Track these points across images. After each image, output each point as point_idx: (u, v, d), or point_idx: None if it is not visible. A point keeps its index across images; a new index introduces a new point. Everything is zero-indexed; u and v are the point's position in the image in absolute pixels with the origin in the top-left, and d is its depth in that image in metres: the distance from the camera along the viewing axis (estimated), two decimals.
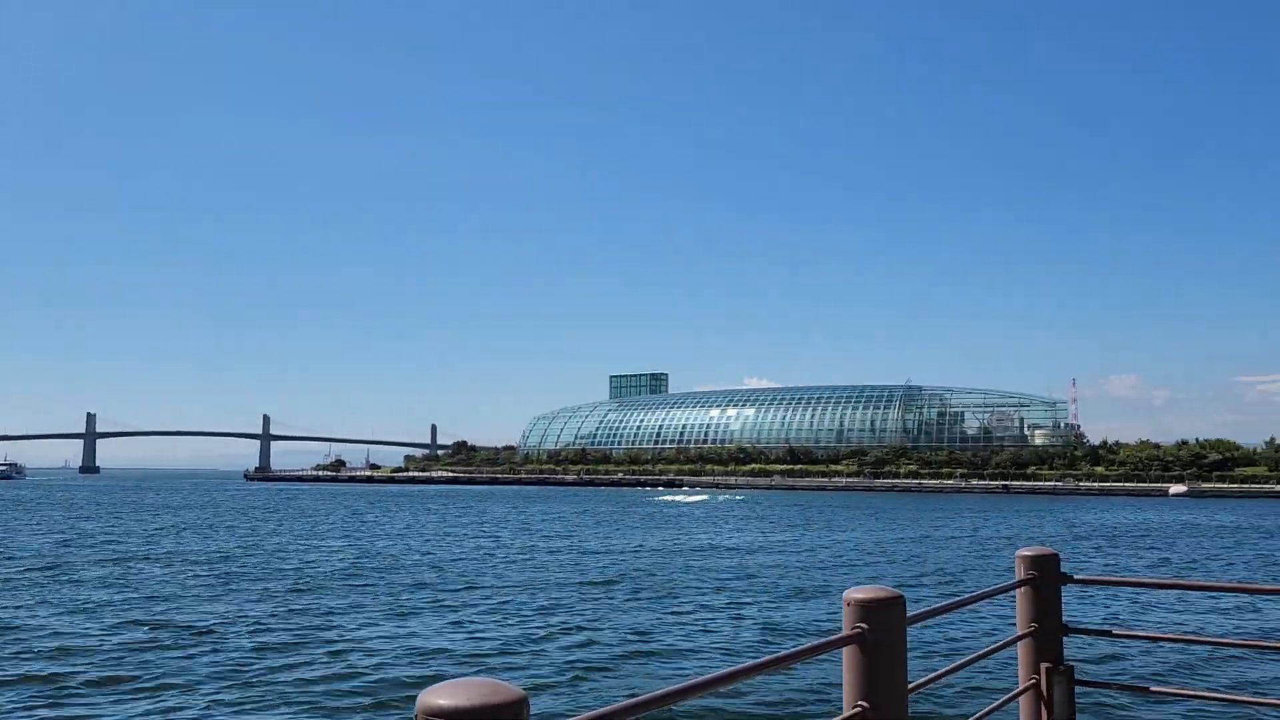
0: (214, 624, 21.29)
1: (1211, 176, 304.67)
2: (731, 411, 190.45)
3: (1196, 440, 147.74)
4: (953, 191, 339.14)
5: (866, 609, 3.65)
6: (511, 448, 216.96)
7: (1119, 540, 51.79)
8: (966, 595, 4.81)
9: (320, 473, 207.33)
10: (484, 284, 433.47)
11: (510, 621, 22.04)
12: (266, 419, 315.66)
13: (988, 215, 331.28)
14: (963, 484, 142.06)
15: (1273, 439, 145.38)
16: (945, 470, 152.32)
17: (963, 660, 4.69)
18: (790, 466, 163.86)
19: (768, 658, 3.25)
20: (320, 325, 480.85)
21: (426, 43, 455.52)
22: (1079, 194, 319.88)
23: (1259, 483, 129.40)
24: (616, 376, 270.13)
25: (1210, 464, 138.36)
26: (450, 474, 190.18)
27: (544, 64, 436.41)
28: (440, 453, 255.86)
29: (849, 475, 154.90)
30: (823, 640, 3.54)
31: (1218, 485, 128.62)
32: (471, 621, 22.08)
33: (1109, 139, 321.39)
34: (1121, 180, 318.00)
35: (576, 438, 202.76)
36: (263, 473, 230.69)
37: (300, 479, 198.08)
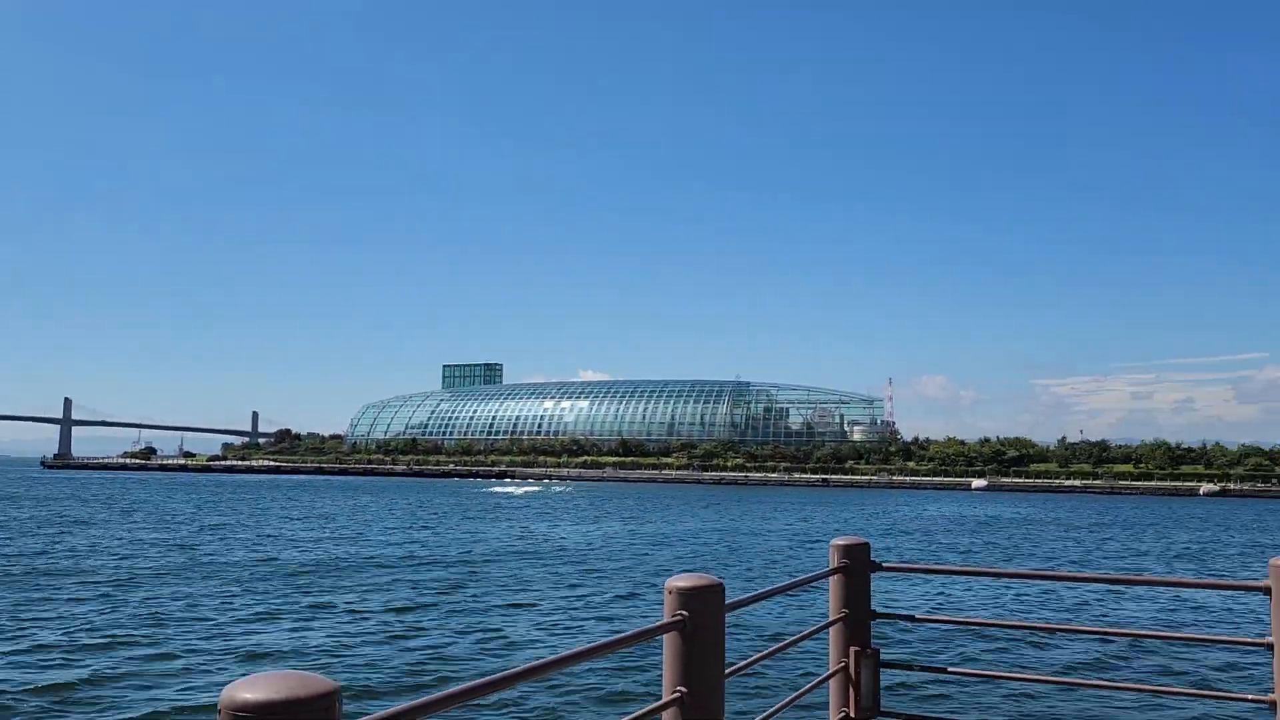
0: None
1: (1013, 194, 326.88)
2: (566, 403, 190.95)
3: (997, 438, 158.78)
4: (786, 191, 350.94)
5: (687, 596, 3.73)
6: (339, 437, 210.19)
7: (928, 531, 55.05)
8: (783, 583, 5.00)
9: (128, 460, 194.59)
10: (312, 269, 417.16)
11: (328, 617, 21.36)
12: (68, 402, 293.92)
13: (818, 215, 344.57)
14: (786, 477, 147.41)
15: (1063, 438, 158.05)
16: (770, 464, 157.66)
17: (777, 645, 4.88)
18: (622, 459, 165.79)
19: (584, 647, 3.28)
20: (129, 304, 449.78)
21: None
22: (910, 200, 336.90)
23: (1050, 478, 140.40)
24: (450, 366, 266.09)
25: (1009, 460, 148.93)
26: (272, 463, 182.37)
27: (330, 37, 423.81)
28: (262, 441, 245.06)
29: (679, 468, 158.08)
30: (643, 628, 3.61)
31: (1015, 480, 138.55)
32: (295, 615, 21.27)
33: (928, 137, 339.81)
34: (939, 187, 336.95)
35: (407, 428, 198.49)
36: (63, 460, 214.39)
37: (105, 467, 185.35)
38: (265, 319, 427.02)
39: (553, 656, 3.13)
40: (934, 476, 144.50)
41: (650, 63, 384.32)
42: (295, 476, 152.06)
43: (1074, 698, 13.64)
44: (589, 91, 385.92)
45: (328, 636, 18.95)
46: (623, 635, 3.49)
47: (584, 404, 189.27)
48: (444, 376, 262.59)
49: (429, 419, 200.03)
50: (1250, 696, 5.24)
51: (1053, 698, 13.69)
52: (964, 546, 45.07)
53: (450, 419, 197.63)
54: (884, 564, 5.85)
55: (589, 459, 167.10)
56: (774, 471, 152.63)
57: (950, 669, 6.38)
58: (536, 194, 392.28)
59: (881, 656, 5.74)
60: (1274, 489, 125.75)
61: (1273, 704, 4.79)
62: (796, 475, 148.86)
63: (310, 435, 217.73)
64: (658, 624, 3.69)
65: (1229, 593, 25.50)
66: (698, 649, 3.71)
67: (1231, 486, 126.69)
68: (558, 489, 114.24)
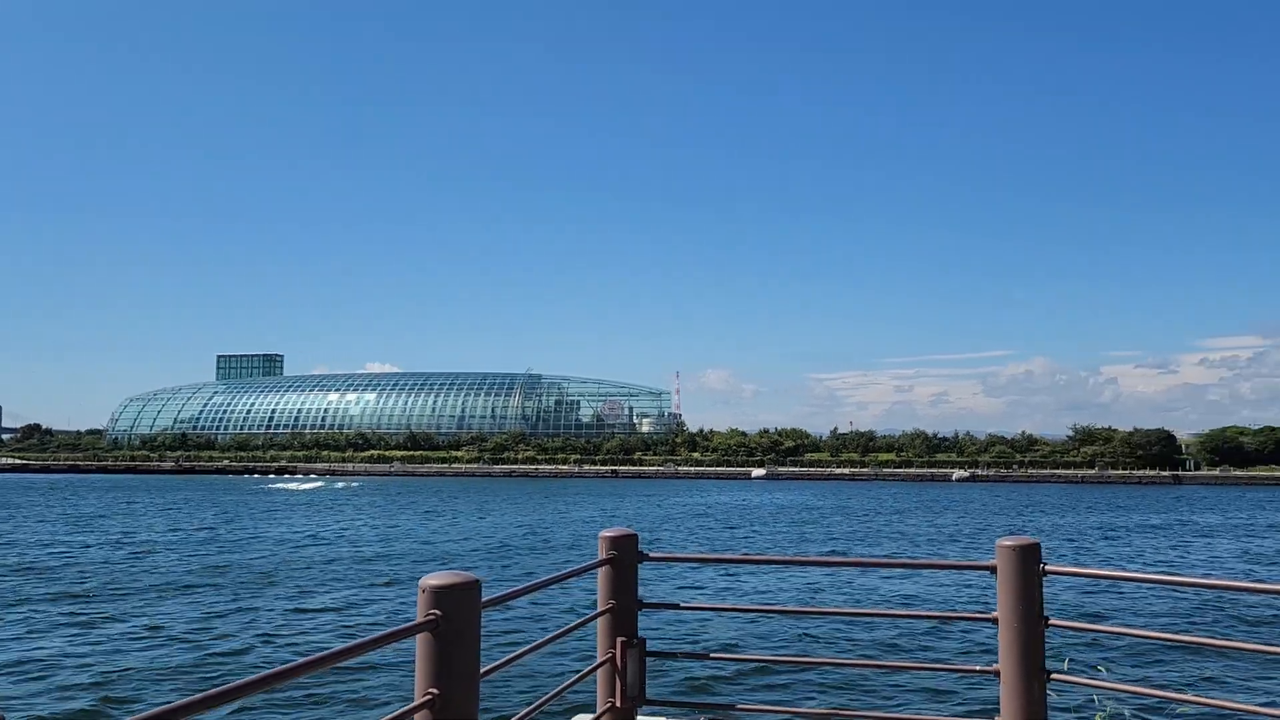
0: None
1: (792, 200, 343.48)
2: (351, 396, 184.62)
3: (775, 429, 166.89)
4: (578, 185, 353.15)
5: (440, 595, 3.66)
6: (98, 432, 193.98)
7: (705, 519, 57.00)
8: (545, 578, 4.99)
9: None
10: (64, 245, 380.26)
11: (82, 626, 19.67)
12: None
13: (609, 211, 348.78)
14: (577, 469, 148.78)
15: (835, 428, 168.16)
16: (561, 456, 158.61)
17: (540, 641, 4.86)
18: (411, 452, 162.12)
19: (331, 650, 3.16)
20: None
21: None
22: (695, 197, 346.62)
23: (822, 466, 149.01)
24: (225, 357, 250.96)
25: (786, 450, 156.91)
26: (19, 461, 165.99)
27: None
28: (6, 437, 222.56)
29: (469, 461, 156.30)
30: (393, 629, 3.51)
31: (791, 469, 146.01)
32: (52, 626, 19.41)
33: (718, 133, 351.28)
34: (724, 186, 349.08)
35: (176, 422, 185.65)
36: None
37: None
38: (11, 306, 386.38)
39: (299, 661, 3.00)
40: (717, 466, 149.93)
41: (424, 66, 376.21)
42: (47, 476, 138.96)
43: (829, 676, 14.50)
44: (399, 91, 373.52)
45: (84, 645, 17.43)
46: (371, 638, 3.38)
47: (371, 397, 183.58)
48: (219, 367, 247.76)
49: (201, 412, 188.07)
50: (978, 668, 5.69)
51: (811, 677, 14.49)
52: (744, 534, 46.97)
53: (225, 412, 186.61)
54: (651, 554, 5.96)
55: (376, 453, 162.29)
56: (565, 463, 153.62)
57: (713, 655, 6.59)
58: (321, 179, 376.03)
59: (649, 646, 5.86)
60: (1015, 474, 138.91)
61: (997, 673, 5.22)
62: (587, 467, 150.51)
63: (64, 431, 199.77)
64: (408, 625, 3.59)
65: (970, 572, 27.83)
66: (450, 649, 3.65)
67: (979, 472, 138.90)
68: (341, 484, 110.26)
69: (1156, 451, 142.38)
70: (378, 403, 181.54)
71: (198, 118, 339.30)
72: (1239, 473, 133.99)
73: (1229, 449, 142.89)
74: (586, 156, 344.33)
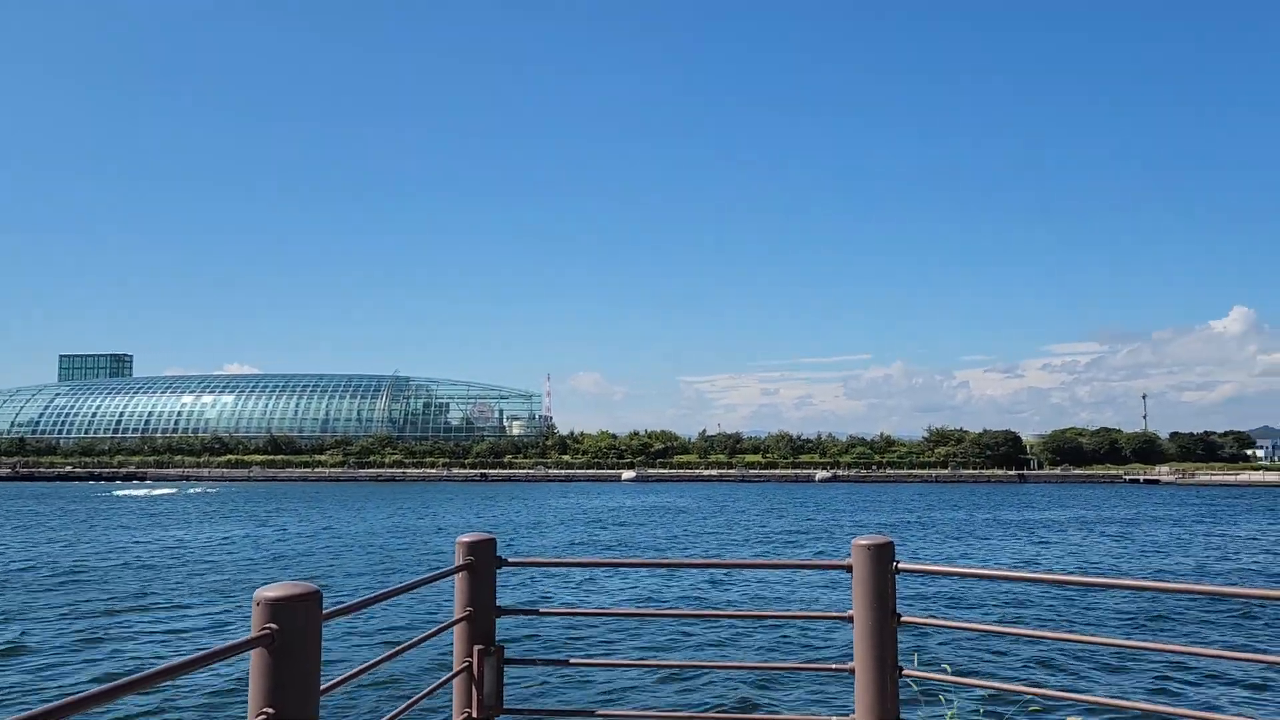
0: None
1: (667, 204, 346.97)
2: (208, 398, 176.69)
3: (645, 431, 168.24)
4: (443, 188, 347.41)
5: (276, 608, 3.43)
6: None
7: (574, 522, 56.93)
8: (396, 586, 4.79)
9: None
10: None
11: None
12: None
13: (473, 212, 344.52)
14: (445, 473, 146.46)
15: (703, 430, 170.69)
16: (429, 459, 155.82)
17: (389, 652, 4.66)
18: (271, 457, 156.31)
19: (158, 668, 2.91)
20: None
21: None
22: (561, 200, 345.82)
23: (691, 468, 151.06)
24: (69, 357, 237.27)
25: (655, 452, 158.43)
26: None
27: None
28: None
29: (333, 465, 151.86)
30: (223, 645, 3.25)
31: (660, 470, 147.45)
32: None
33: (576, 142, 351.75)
34: (589, 190, 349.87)
35: (14, 425, 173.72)
36: None
37: None
38: None
39: (118, 682, 2.75)
40: (588, 469, 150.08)
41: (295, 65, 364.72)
42: None
43: (691, 678, 14.58)
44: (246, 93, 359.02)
45: None
46: (197, 655, 3.13)
47: (229, 399, 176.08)
48: (61, 368, 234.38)
49: (42, 415, 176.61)
50: (833, 666, 5.76)
51: (672, 681, 14.53)
52: (614, 537, 47.05)
53: (68, 415, 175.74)
54: (510, 559, 5.82)
55: (234, 458, 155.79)
56: (433, 467, 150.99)
57: (574, 661, 6.48)
58: (166, 168, 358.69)
59: (508, 653, 5.71)
60: (875, 474, 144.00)
61: (852, 671, 5.28)
62: (456, 470, 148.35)
63: None
64: (240, 640, 3.35)
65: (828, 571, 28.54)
66: (287, 664, 3.42)
67: (841, 473, 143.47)
68: (195, 490, 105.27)
69: (1004, 451, 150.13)
70: (236, 405, 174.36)
71: (29, 99, 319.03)
72: (1078, 471, 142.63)
73: (1069, 449, 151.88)
74: (453, 158, 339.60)
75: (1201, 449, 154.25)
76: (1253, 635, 19.83)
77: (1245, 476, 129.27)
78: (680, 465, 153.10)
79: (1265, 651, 17.64)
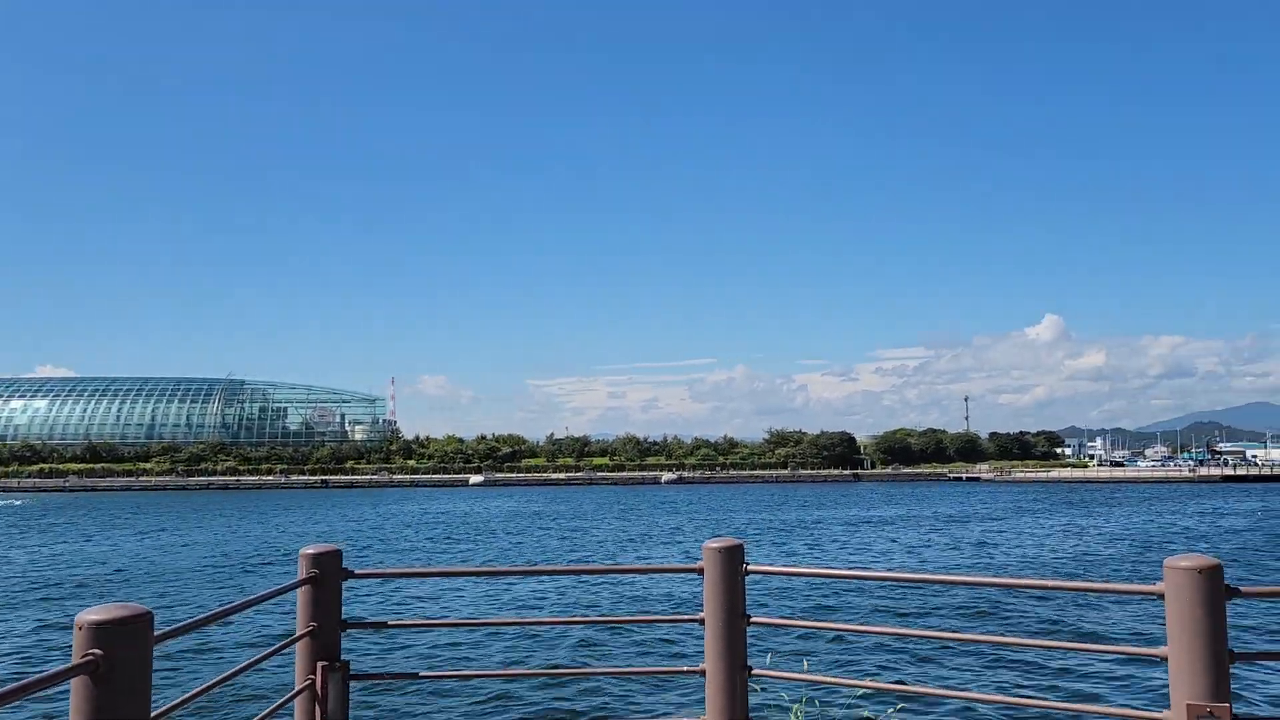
0: None
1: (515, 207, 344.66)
2: (17, 403, 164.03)
3: (493, 435, 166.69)
4: (274, 192, 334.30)
5: (101, 632, 3.18)
6: None
7: (420, 528, 55.75)
8: (237, 602, 4.54)
9: None
10: None
11: None
12: None
13: (315, 216, 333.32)
14: (284, 480, 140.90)
15: (551, 434, 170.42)
16: (266, 466, 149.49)
17: (225, 674, 4.41)
18: (90, 466, 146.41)
19: None
20: None
21: None
22: (403, 203, 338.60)
23: (540, 471, 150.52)
24: None
25: (504, 456, 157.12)
26: None
27: None
28: None
29: (160, 474, 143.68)
30: (40, 675, 2.99)
31: (509, 475, 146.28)
32: None
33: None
34: (435, 194, 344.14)
35: None
36: None
37: None
38: None
39: None
40: (434, 474, 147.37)
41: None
42: None
43: (544, 686, 14.42)
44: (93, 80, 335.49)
45: None
46: (14, 686, 2.86)
47: (41, 404, 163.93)
48: None
49: None
50: (684, 668, 5.83)
51: (523, 690, 14.33)
52: (462, 544, 46.28)
53: None
54: (356, 571, 5.62)
55: (46, 467, 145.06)
56: (270, 474, 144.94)
57: (422, 674, 6.33)
58: None
59: (354, 668, 5.51)
60: (719, 476, 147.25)
61: (703, 672, 5.36)
62: (295, 477, 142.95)
63: None
64: (59, 669, 3.09)
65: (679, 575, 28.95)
66: (114, 694, 3.18)
67: (686, 474, 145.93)
68: (1, 503, 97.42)
69: (840, 452, 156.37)
70: (50, 410, 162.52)
71: None
72: (907, 470, 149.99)
73: (899, 449, 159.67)
74: (294, 145, 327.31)
75: (1017, 448, 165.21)
76: (1060, 625, 21.22)
77: (1055, 474, 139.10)
78: (529, 469, 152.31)
79: (1073, 640, 18.95)
